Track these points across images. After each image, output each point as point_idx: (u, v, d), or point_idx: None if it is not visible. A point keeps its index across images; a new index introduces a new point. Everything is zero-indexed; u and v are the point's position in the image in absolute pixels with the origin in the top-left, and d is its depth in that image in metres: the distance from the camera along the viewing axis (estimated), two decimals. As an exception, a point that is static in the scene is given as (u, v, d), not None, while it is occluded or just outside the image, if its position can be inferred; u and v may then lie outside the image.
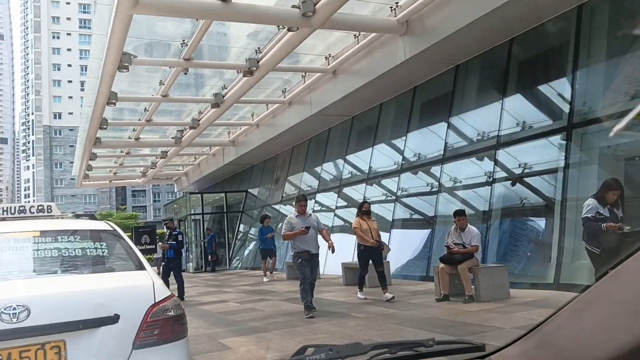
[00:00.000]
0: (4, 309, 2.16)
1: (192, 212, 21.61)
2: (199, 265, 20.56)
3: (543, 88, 9.18)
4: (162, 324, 2.44)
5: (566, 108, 8.35)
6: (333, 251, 7.47)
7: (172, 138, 17.47)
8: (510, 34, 9.33)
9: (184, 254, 21.75)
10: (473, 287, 7.27)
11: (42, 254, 2.72)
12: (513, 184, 9.44)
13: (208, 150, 21.53)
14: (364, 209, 8.48)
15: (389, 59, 10.60)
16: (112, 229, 3.19)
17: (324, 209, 15.36)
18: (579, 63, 8.17)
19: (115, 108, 13.96)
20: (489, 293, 7.14)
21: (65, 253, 2.77)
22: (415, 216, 11.67)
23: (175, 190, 30.64)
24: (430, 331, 5.32)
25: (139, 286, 2.57)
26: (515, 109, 9.51)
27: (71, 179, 68.59)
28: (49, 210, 3.59)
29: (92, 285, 2.53)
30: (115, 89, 12.05)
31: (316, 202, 15.78)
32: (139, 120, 15.38)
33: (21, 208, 3.58)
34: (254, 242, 20.29)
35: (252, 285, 12.25)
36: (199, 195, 21.95)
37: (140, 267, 2.80)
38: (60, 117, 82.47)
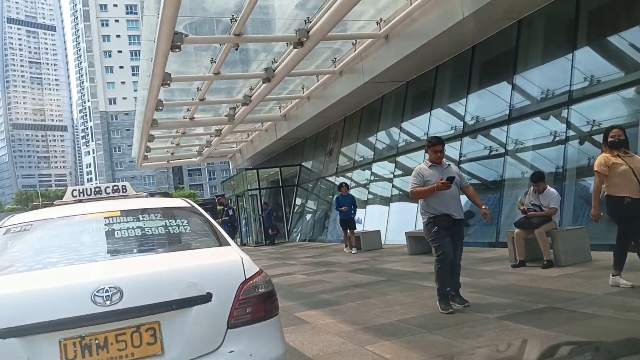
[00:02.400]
0: (97, 292, 2.10)
1: (249, 188, 21.85)
2: (258, 238, 20.88)
3: (620, 37, 8.46)
4: (254, 302, 2.34)
5: (647, 56, 7.68)
6: (491, 220, 5.49)
7: (225, 116, 17.57)
8: (580, -19, 8.62)
9: (243, 229, 22.27)
10: (552, 251, 6.91)
11: (126, 233, 2.66)
12: (581, 143, 8.87)
13: (260, 126, 21.60)
14: (611, 138, 5.22)
15: (445, 18, 10.09)
16: (190, 205, 3.11)
17: (380, 179, 15.11)
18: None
19: (168, 89, 14.09)
20: (569, 257, 6.77)
21: (148, 232, 2.71)
22: (481, 182, 11.22)
23: (230, 167, 31.13)
24: (513, 299, 5.06)
25: (228, 262, 2.46)
26: (588, 63, 8.86)
27: (130, 161, 71.21)
28: (124, 190, 3.56)
29: (181, 263, 2.45)
30: (167, 70, 12.12)
31: (372, 172, 15.54)
32: (192, 100, 15.51)
33: (97, 189, 3.56)
34: (310, 214, 20.37)
35: (314, 257, 12.25)
36: (255, 171, 22.13)
37: (224, 243, 2.70)
38: (115, 103, 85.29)
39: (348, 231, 12.47)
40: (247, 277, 2.37)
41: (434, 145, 5.32)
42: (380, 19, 11.63)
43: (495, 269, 7.14)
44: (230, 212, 10.94)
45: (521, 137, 10.05)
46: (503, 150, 10.30)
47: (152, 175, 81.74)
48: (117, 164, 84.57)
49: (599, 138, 8.68)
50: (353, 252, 11.99)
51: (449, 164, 5.43)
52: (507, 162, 10.18)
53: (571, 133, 8.86)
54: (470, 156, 11.42)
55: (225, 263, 2.47)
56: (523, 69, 10.11)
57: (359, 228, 13.25)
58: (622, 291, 4.86)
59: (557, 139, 9.13)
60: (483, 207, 5.35)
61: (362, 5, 10.17)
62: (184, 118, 17.74)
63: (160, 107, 14.79)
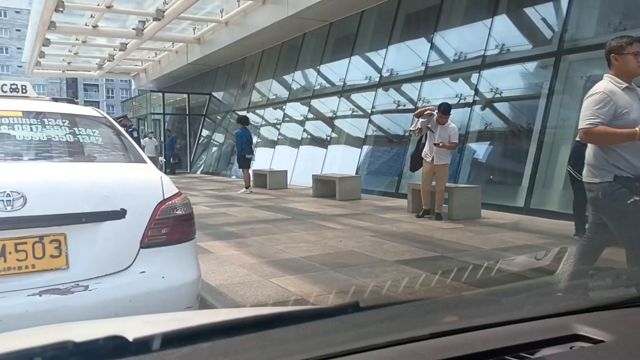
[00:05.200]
0: (-4, 195, 1.87)
1: (153, 112, 20.75)
2: (158, 166, 20.10)
3: (536, 9, 8.86)
4: (171, 223, 2.22)
5: (557, 34, 8.15)
6: None
7: (133, 29, 16.24)
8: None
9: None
10: (445, 205, 7.36)
11: (29, 136, 2.38)
12: (482, 109, 9.36)
13: (170, 47, 20.30)
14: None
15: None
16: (102, 116, 2.84)
17: (292, 120, 15.01)
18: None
19: (72, -11, 12.69)
20: (461, 212, 7.24)
21: (55, 138, 2.44)
22: (389, 134, 11.56)
23: (132, 87, 29.21)
24: (410, 246, 5.35)
25: (146, 180, 2.30)
26: (505, 30, 9.23)
27: (18, 66, 64.32)
28: (24, 90, 3.16)
29: (94, 175, 2.24)
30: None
31: (285, 113, 15.38)
32: (98, 5, 14.11)
33: (-10, 85, 3.13)
34: (215, 147, 19.91)
35: (218, 190, 12.07)
36: (160, 94, 20.99)
37: (140, 160, 2.52)
38: (3, -3, 75.46)
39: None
40: (165, 197, 2.23)
41: (632, 44, 3.01)
42: (313, -49, 11.19)
43: (393, 216, 7.48)
44: (135, 134, 10.20)
45: (432, 96, 10.37)
46: (413, 107, 10.60)
47: (43, 84, 74.49)
48: (3, 67, 76.00)
49: (499, 106, 9.25)
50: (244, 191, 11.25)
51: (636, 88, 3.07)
52: (415, 118, 10.50)
53: (479, 97, 9.31)
54: (382, 108, 11.65)
55: (143, 180, 2.31)
56: (444, 28, 10.33)
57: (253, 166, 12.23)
58: (508, 247, 5.32)
59: (464, 101, 9.55)
60: None
61: None
62: (86, 25, 16.15)
63: (61, 9, 13.30)
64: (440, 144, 7.06)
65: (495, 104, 9.21)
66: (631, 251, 2.97)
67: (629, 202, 2.86)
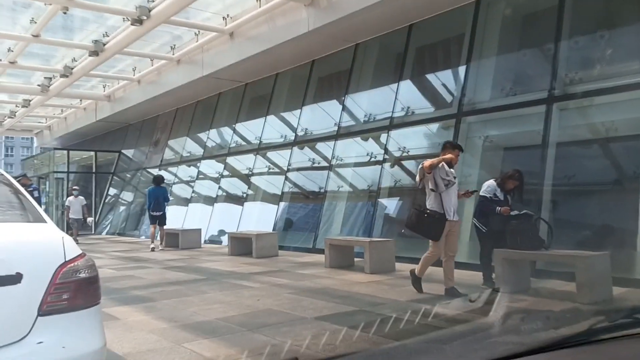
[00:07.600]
0: None
1: (56, 170, 19.58)
2: (60, 227, 18.77)
3: (437, 75, 9.61)
4: (73, 287, 2.06)
5: (457, 98, 8.82)
6: None
7: (38, 85, 15.57)
8: (410, 20, 9.58)
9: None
10: (360, 259, 7.44)
11: None
12: (392, 167, 9.79)
13: (78, 103, 19.55)
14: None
15: (291, 28, 10.35)
16: (-1, 173, 2.65)
17: (207, 178, 14.79)
18: (472, 55, 8.63)
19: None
20: (376, 266, 7.35)
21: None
22: (305, 191, 11.69)
23: (35, 145, 27.56)
24: (329, 301, 5.33)
25: (46, 241, 2.13)
26: (410, 93, 9.86)
27: None
28: None
29: (-15, 237, 2.04)
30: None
31: (199, 171, 15.14)
32: (1, 60, 13.43)
33: None
34: (124, 206, 19.03)
35: (125, 252, 11.43)
36: (65, 152, 19.92)
37: (39, 219, 2.34)
38: None
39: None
40: (67, 259, 2.07)
41: None
42: (227, 14, 11.45)
43: (311, 272, 7.45)
44: (36, 194, 9.56)
45: (345, 154, 10.72)
46: (328, 164, 10.88)
47: None
48: None
49: (407, 164, 9.73)
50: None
51: None
52: (330, 175, 10.74)
53: (386, 157, 9.74)
54: (298, 166, 11.83)
55: (42, 241, 2.14)
56: (354, 91, 10.86)
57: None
58: (424, 299, 5.44)
59: (375, 159, 9.95)
60: None
61: (211, -5, 9.96)
62: (-15, 80, 15.25)
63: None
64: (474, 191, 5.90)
65: (404, 162, 9.67)
66: None
67: None
